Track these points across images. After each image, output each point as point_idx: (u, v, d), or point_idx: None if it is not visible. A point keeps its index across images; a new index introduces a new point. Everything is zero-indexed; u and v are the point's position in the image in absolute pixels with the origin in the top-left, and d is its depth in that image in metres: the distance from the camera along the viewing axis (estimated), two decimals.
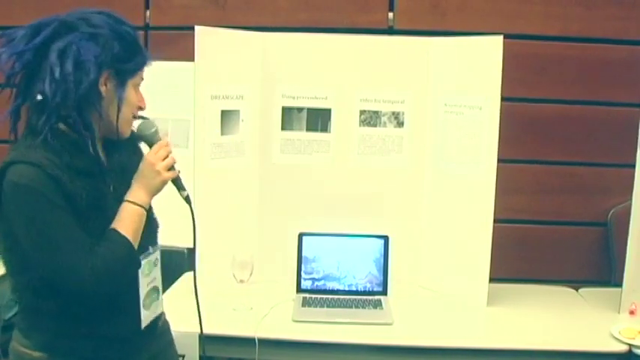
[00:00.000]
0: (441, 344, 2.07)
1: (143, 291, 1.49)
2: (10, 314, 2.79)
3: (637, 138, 2.18)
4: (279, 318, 2.17)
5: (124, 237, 1.38)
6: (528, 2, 2.62)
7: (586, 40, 2.64)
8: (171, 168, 1.48)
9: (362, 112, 2.50)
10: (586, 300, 2.47)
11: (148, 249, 1.50)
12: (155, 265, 1.55)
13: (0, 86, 1.35)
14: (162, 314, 1.64)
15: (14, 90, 1.36)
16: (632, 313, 2.26)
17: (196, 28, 2.22)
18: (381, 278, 2.39)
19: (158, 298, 1.57)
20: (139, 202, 1.43)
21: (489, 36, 2.25)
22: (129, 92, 1.42)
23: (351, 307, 2.27)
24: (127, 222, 1.40)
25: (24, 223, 1.31)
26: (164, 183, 1.46)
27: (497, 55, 2.21)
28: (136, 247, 1.41)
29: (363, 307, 2.27)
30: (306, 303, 2.30)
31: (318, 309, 2.26)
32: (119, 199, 1.42)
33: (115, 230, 1.38)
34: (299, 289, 2.39)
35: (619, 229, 2.50)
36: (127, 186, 1.44)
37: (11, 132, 1.38)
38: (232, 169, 2.41)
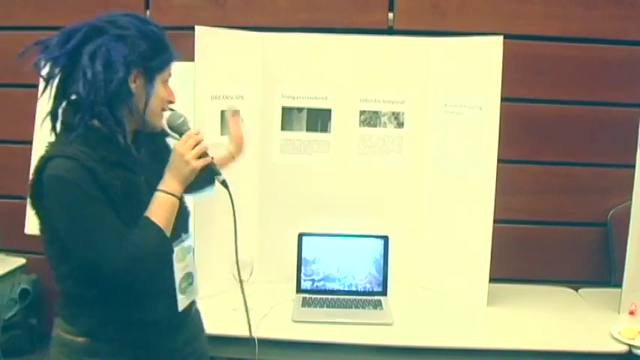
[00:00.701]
0: (441, 344, 2.07)
1: (178, 276, 1.56)
2: (11, 314, 2.80)
3: (637, 138, 2.18)
4: (279, 318, 2.17)
5: (155, 224, 1.44)
6: (528, 2, 2.62)
7: (585, 40, 2.64)
8: (202, 155, 1.52)
9: (362, 113, 2.50)
10: (586, 300, 2.47)
11: (180, 236, 1.56)
12: (188, 251, 1.61)
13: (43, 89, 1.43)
14: (194, 301, 1.68)
15: (53, 93, 1.44)
16: (632, 313, 2.26)
17: (196, 28, 2.22)
18: (381, 278, 2.39)
19: (193, 284, 1.62)
20: (171, 192, 1.48)
21: (489, 36, 2.26)
22: (158, 88, 1.49)
23: (351, 307, 2.27)
24: (159, 210, 1.46)
25: (61, 214, 1.38)
26: (194, 171, 1.51)
27: (497, 55, 2.21)
28: (168, 234, 1.47)
29: (362, 308, 2.27)
30: (305, 303, 2.30)
31: (317, 309, 2.26)
32: (151, 190, 1.48)
33: (147, 218, 1.44)
34: (299, 290, 2.39)
35: (619, 229, 2.50)
36: (158, 177, 1.50)
37: (52, 131, 1.46)
38: (232, 169, 2.40)
